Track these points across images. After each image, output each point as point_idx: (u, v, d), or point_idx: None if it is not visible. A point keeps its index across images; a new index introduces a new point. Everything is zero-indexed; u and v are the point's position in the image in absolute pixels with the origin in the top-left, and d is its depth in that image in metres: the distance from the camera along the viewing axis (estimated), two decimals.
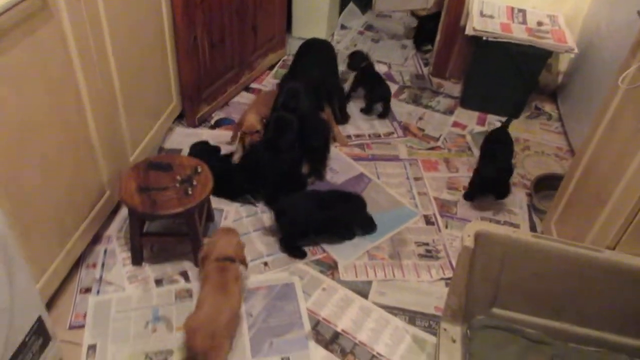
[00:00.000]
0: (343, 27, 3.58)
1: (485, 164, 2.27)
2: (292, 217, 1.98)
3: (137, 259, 1.91)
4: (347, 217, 2.07)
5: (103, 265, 1.91)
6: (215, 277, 1.63)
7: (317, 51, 2.60)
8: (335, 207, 2.02)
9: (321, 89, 2.46)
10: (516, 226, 2.21)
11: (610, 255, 1.46)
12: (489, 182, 2.22)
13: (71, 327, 1.71)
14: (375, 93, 2.76)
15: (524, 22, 2.74)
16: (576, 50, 2.59)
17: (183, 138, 2.49)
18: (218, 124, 2.62)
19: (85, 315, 1.74)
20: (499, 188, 2.24)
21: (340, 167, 2.43)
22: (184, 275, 1.90)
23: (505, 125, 2.47)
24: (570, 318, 1.56)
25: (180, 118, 2.57)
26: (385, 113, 2.78)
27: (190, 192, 1.80)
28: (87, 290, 1.82)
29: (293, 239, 2.02)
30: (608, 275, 1.46)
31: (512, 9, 2.83)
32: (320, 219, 2.01)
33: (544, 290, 1.53)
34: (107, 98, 1.82)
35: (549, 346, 1.55)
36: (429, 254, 2.06)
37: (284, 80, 2.59)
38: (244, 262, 1.75)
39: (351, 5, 3.72)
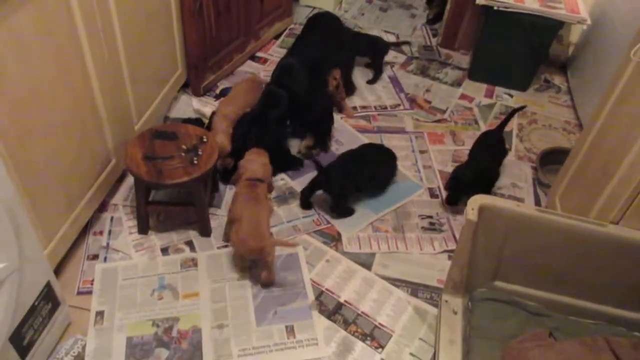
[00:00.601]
0: None
1: (462, 165, 2.15)
2: (341, 178, 2.00)
3: (143, 228, 1.93)
4: (385, 168, 2.15)
5: (110, 233, 1.93)
6: (246, 193, 1.80)
7: (323, 25, 2.56)
8: (374, 160, 2.10)
9: (326, 63, 2.43)
10: (520, 200, 2.21)
11: (614, 230, 1.46)
12: (462, 184, 2.06)
13: (79, 293, 1.75)
14: (378, 50, 2.73)
15: None
16: (589, 22, 2.53)
17: (188, 107, 2.48)
18: (223, 93, 2.60)
19: (92, 282, 1.77)
20: (476, 191, 2.15)
21: (345, 139, 2.42)
22: (189, 244, 1.92)
23: (500, 128, 2.36)
24: (571, 291, 1.58)
25: (185, 87, 2.55)
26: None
27: (195, 162, 1.80)
28: (94, 257, 1.85)
29: (344, 199, 2.06)
30: (611, 249, 1.46)
31: None
32: (366, 174, 2.06)
33: (546, 264, 1.54)
34: (112, 65, 1.81)
35: (548, 318, 1.57)
36: (433, 227, 2.07)
37: (290, 54, 2.56)
38: (270, 184, 1.90)
39: None
